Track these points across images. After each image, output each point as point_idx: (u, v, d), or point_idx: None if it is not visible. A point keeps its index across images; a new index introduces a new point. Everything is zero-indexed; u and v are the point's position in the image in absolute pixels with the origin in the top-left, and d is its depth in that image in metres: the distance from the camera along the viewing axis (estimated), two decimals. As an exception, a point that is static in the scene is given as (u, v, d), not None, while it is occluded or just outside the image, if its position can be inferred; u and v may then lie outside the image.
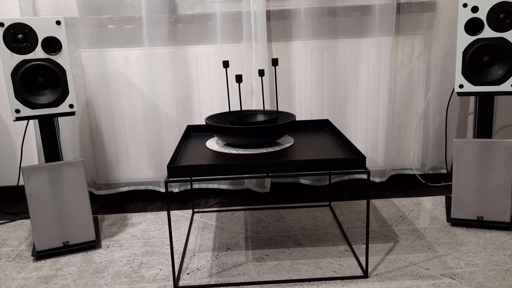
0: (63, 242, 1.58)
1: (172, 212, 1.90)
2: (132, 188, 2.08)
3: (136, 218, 1.87)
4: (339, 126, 2.03)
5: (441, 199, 1.93)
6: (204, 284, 1.36)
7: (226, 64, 1.51)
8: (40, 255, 1.56)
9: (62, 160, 1.64)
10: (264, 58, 1.90)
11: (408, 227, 1.68)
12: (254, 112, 1.62)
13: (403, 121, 2.06)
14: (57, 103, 1.53)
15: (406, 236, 1.61)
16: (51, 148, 1.60)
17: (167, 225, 1.78)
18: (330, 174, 1.33)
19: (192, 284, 1.36)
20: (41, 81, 1.51)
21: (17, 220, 1.90)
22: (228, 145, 1.49)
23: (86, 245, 1.60)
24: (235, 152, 1.41)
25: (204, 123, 1.87)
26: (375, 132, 2.02)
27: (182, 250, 1.58)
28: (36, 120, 1.89)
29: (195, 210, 1.92)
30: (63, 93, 1.53)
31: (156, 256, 1.54)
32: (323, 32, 1.94)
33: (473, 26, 1.55)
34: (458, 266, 1.40)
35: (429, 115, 2.05)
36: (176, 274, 1.41)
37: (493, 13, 1.51)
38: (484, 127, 1.66)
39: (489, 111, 1.64)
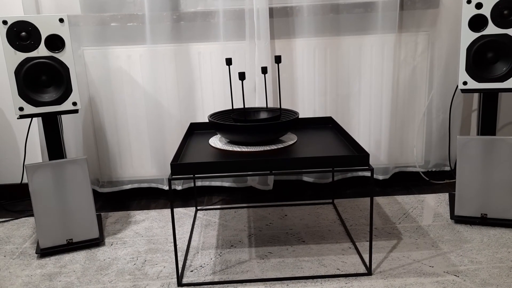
0: (67, 240, 1.58)
1: (176, 210, 1.90)
2: (135, 185, 2.08)
3: (139, 215, 1.87)
4: (342, 123, 2.02)
5: (445, 196, 1.93)
6: (207, 281, 1.37)
7: (229, 62, 1.51)
8: (44, 252, 1.56)
9: (66, 157, 1.64)
10: (266, 55, 1.89)
11: (412, 224, 1.68)
12: (257, 110, 1.62)
13: (406, 118, 2.06)
14: (60, 100, 1.53)
15: (409, 234, 1.60)
16: (54, 145, 1.61)
17: (171, 223, 1.78)
18: (333, 171, 1.33)
19: (195, 281, 1.37)
20: (45, 79, 1.51)
21: (21, 217, 1.91)
22: (231, 142, 1.49)
23: (90, 242, 1.61)
24: (238, 149, 1.41)
25: (207, 121, 1.87)
26: (378, 129, 2.02)
27: (185, 247, 1.58)
28: (40, 118, 1.89)
29: (198, 207, 1.92)
30: (66, 91, 1.53)
31: (159, 254, 1.54)
32: (326, 29, 1.93)
33: (477, 23, 1.54)
34: (462, 264, 1.40)
35: (432, 112, 2.05)
36: (179, 271, 1.41)
37: (497, 9, 1.50)
38: (488, 124, 1.65)
39: (493, 108, 1.63)
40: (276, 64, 1.91)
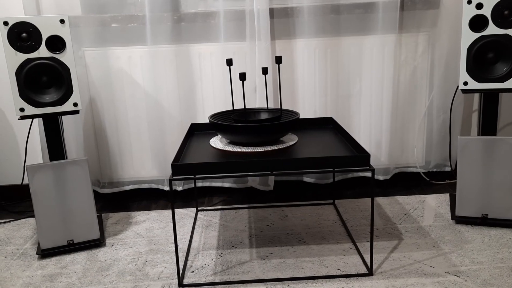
0: (67, 241, 1.58)
1: (176, 211, 1.90)
2: (136, 186, 2.08)
3: (140, 216, 1.87)
4: (342, 124, 2.02)
5: (445, 196, 1.93)
6: (208, 282, 1.37)
7: (229, 62, 1.51)
8: (45, 253, 1.56)
9: (66, 158, 1.64)
10: (267, 56, 1.89)
11: (413, 225, 1.68)
12: (257, 110, 1.62)
13: (407, 118, 2.06)
14: (61, 101, 1.53)
15: (410, 234, 1.60)
16: (55, 146, 1.61)
17: (171, 223, 1.78)
18: (334, 172, 1.33)
19: (196, 282, 1.37)
20: (45, 80, 1.52)
21: (21, 218, 1.91)
22: (232, 143, 1.49)
23: (91, 243, 1.61)
24: (239, 150, 1.41)
25: (208, 121, 1.87)
26: (379, 130, 2.02)
27: (186, 248, 1.58)
28: (41, 119, 1.89)
29: (199, 208, 1.92)
30: (67, 92, 1.53)
31: (160, 254, 1.54)
32: (326, 30, 1.93)
33: (477, 23, 1.54)
34: (463, 264, 1.40)
35: (433, 112, 2.05)
36: (180, 272, 1.41)
37: (498, 10, 1.50)
38: (488, 124, 1.65)
39: (494, 108, 1.64)
40: (277, 65, 1.91)
